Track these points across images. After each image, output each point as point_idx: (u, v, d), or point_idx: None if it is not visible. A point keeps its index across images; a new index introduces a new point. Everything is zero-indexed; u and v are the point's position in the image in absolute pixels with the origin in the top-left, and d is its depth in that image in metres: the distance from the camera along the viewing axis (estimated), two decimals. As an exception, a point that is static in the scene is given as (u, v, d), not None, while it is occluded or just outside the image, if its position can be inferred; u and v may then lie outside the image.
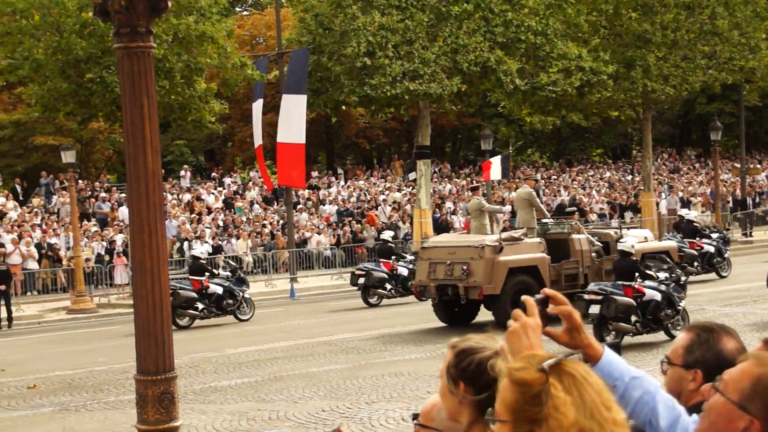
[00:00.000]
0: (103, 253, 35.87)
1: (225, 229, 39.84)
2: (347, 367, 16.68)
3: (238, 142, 54.76)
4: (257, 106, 36.29)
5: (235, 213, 42.43)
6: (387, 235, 29.76)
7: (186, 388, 14.79)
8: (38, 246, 35.60)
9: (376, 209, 43.53)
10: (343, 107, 42.46)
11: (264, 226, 40.73)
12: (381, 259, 27.93)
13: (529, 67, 38.17)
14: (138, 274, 5.68)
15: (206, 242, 37.63)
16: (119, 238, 36.81)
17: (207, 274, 25.27)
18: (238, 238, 38.99)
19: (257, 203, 44.03)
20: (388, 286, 27.13)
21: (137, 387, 5.76)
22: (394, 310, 25.54)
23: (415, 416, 3.56)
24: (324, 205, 44.51)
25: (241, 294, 25.17)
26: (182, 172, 46.79)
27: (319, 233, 39.98)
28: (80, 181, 42.62)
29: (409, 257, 28.02)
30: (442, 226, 40.91)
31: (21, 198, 43.32)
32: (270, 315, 26.59)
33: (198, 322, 24.66)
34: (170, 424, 5.76)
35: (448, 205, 44.92)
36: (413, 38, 36.17)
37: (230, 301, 24.88)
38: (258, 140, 36.62)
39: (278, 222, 41.38)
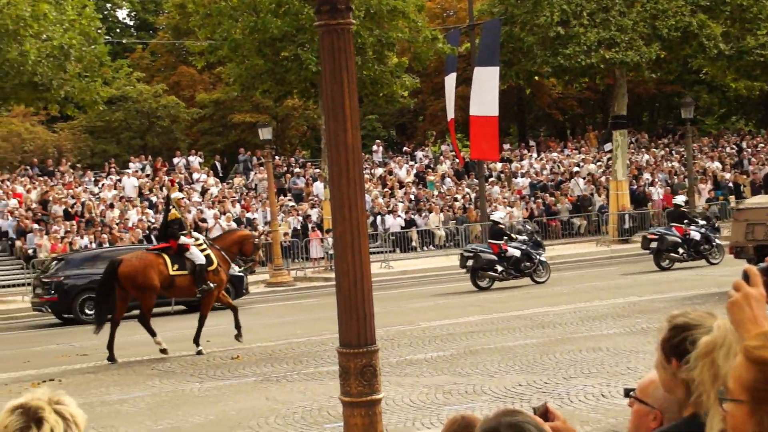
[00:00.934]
0: (298, 227, 36.75)
1: (417, 203, 40.09)
2: (543, 341, 16.43)
3: (430, 116, 54.94)
4: (450, 80, 36.23)
5: (426, 187, 42.62)
6: (497, 216, 28.80)
7: (382, 360, 14.86)
8: (237, 221, 36.81)
9: (570, 182, 42.80)
10: (536, 78, 41.87)
11: (455, 199, 40.74)
12: (491, 241, 27.04)
13: (735, 30, 36.55)
14: (339, 248, 5.69)
15: (399, 216, 38.01)
16: (314, 213, 37.63)
17: (505, 237, 26.25)
18: (430, 211, 39.16)
19: (449, 177, 44.05)
20: (499, 268, 26.30)
21: (340, 359, 5.78)
22: (590, 285, 25.07)
23: (628, 391, 3.49)
24: (516, 178, 44.10)
25: (537, 257, 26.14)
26: (374, 147, 47.35)
27: (511, 206, 39.68)
28: (276, 157, 43.78)
29: (521, 238, 27.19)
30: (639, 198, 39.84)
31: (221, 174, 44.89)
32: (463, 288, 26.55)
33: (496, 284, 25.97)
34: (372, 396, 5.76)
35: (646, 176, 43.65)
36: (609, 5, 35.21)
37: (527, 264, 25.91)
38: (450, 113, 36.58)
39: (470, 195, 41.30)
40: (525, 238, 26.90)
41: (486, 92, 33.31)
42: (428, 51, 34.21)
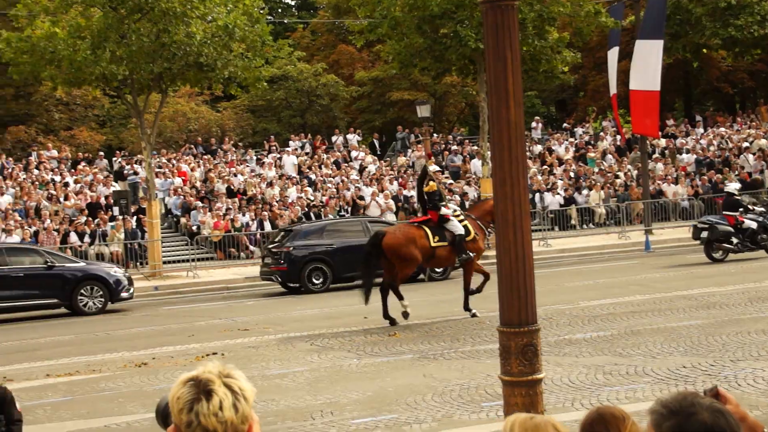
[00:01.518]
0: (456, 207, 36.64)
1: (576, 180, 39.43)
2: (709, 322, 15.89)
3: (591, 92, 53.89)
4: (612, 54, 35.36)
5: (586, 164, 41.86)
6: (732, 187, 27.95)
7: (541, 340, 14.72)
8: (395, 198, 37.01)
9: (738, 157, 41.24)
10: (704, 51, 40.44)
11: (617, 177, 39.87)
12: (726, 212, 26.31)
13: None
14: (501, 226, 5.59)
15: (558, 194, 37.49)
16: (470, 191, 37.49)
17: (741, 209, 25.90)
18: (590, 189, 38.46)
19: (610, 153, 43.12)
20: (735, 240, 25.56)
21: (500, 338, 5.69)
22: (759, 264, 24.12)
23: None
24: (681, 154, 42.80)
25: None
26: (533, 124, 46.77)
27: (675, 183, 38.55)
28: (434, 135, 43.78)
29: (759, 209, 26.33)
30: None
31: (378, 152, 45.22)
32: (624, 268, 25.99)
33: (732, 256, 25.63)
34: (533, 376, 5.66)
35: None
36: (785, -29, 33.69)
37: (764, 236, 25.67)
38: (613, 88, 35.74)
39: (632, 173, 40.33)
40: (763, 209, 26.36)
41: (649, 66, 32.32)
42: (590, 25, 33.49)
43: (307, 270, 26.22)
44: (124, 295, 24.86)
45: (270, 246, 27.58)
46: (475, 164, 39.90)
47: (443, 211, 18.97)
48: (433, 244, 18.83)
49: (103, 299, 24.44)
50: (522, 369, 5.62)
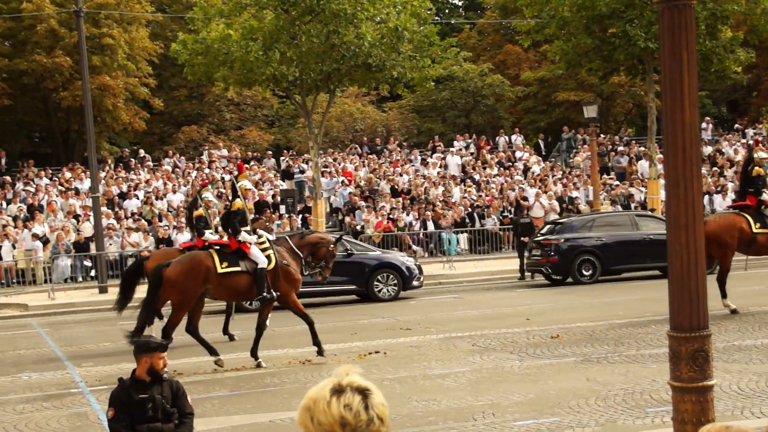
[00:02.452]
0: (619, 208, 35.96)
1: (749, 184, 38.02)
2: None
3: (765, 92, 51.94)
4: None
5: (760, 167, 40.32)
6: None
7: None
8: (560, 199, 36.60)
9: None
10: None
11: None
12: None
13: None
14: (672, 229, 5.48)
15: (728, 196, 36.31)
16: (636, 192, 36.71)
17: None
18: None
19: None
20: None
21: (670, 343, 5.58)
22: None
23: None
24: None
25: None
26: (703, 125, 45.37)
27: None
28: (600, 135, 43.08)
29: None
30: None
31: (543, 153, 44.80)
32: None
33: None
34: (704, 382, 5.53)
35: None
36: None
37: None
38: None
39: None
40: None
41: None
42: (767, 23, 32.29)
43: (577, 262, 26.66)
44: (415, 283, 25.72)
45: (538, 239, 27.92)
46: (642, 165, 39.06)
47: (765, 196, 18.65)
48: (754, 230, 18.75)
49: (396, 287, 25.33)
50: (692, 375, 5.50)
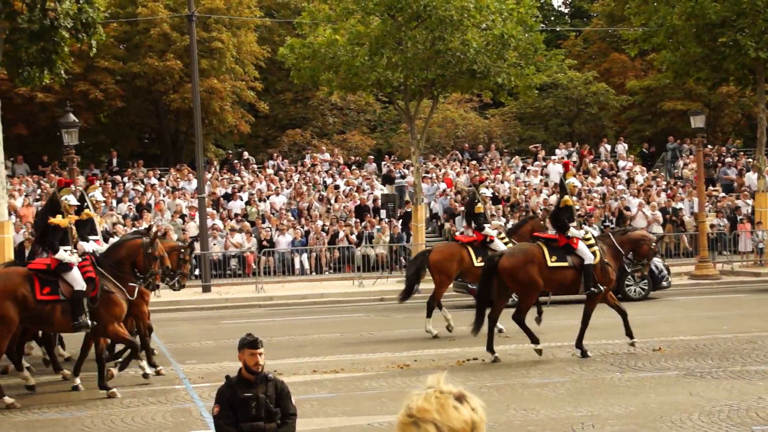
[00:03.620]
0: (725, 220, 35.22)
1: None
2: None
3: None
4: None
5: None
6: None
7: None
8: (663, 210, 36.01)
9: None
10: None
11: None
12: None
13: None
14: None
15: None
16: (742, 205, 35.90)
17: None
18: None
19: None
20: None
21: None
22: None
23: None
24: None
25: None
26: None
27: None
28: (707, 146, 42.24)
29: None
30: None
31: (648, 162, 44.13)
32: None
33: None
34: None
35: None
36: None
37: None
38: None
39: None
40: None
41: None
42: None
43: None
44: (663, 283, 25.94)
45: None
46: (750, 177, 38.18)
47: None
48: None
49: (646, 286, 25.46)
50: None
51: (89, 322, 14.30)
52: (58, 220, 14.43)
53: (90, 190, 16.37)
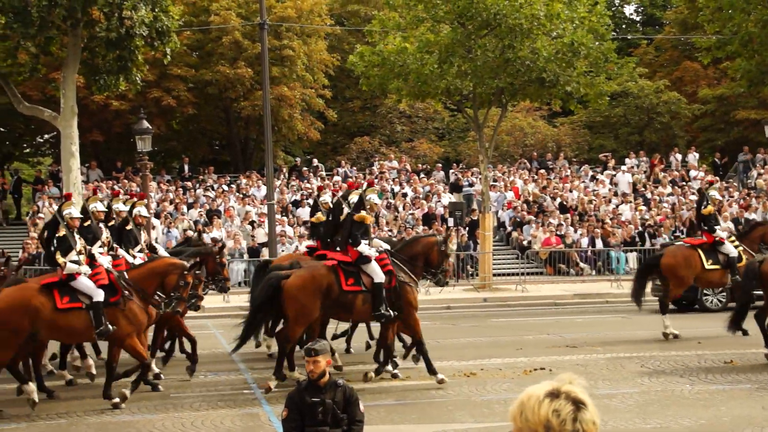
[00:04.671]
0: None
1: None
2: None
3: None
4: None
5: None
6: None
7: None
8: (735, 221, 35.47)
9: None
10: None
11: None
12: None
13: None
14: None
15: None
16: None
17: None
18: None
19: None
20: None
21: None
22: None
23: None
24: None
25: None
26: None
27: None
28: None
29: None
30: None
31: (719, 172, 43.50)
32: None
33: None
34: None
35: None
36: None
37: None
38: None
39: None
40: None
41: None
42: None
43: None
44: None
45: None
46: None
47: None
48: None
49: (724, 297, 25.13)
50: None
51: (110, 327, 14.34)
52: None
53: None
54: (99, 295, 14.33)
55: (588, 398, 3.22)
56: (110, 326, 14.30)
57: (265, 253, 32.37)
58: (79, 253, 14.69)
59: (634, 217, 36.14)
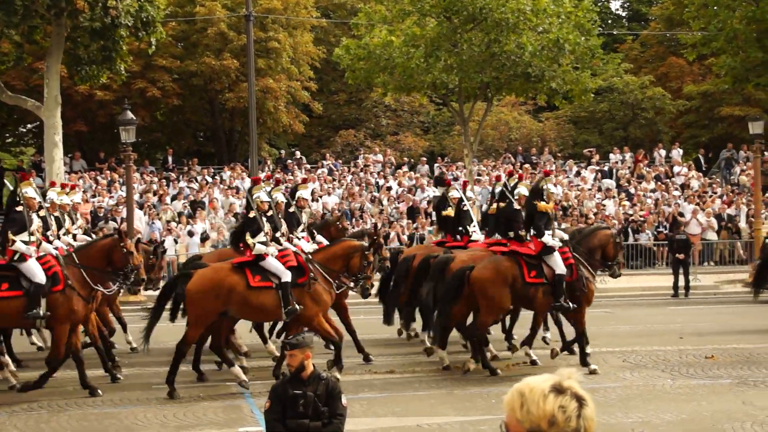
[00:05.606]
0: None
1: None
2: None
3: None
4: None
5: None
6: None
7: None
8: (718, 217, 35.62)
9: None
10: None
11: None
12: None
13: None
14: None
15: None
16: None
17: None
18: None
19: None
20: None
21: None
22: None
23: None
24: None
25: None
26: None
27: None
28: (765, 153, 41.68)
29: None
30: None
31: (703, 168, 43.67)
32: None
33: None
34: None
35: None
36: None
37: None
38: None
39: None
40: None
41: None
42: None
43: None
44: None
45: None
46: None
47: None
48: None
49: None
50: None
51: (297, 307, 14.75)
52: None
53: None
54: (287, 276, 14.83)
55: (586, 393, 3.24)
56: (297, 306, 14.78)
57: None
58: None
59: (618, 212, 36.22)
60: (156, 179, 38.37)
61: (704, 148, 47.19)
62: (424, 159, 44.21)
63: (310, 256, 15.44)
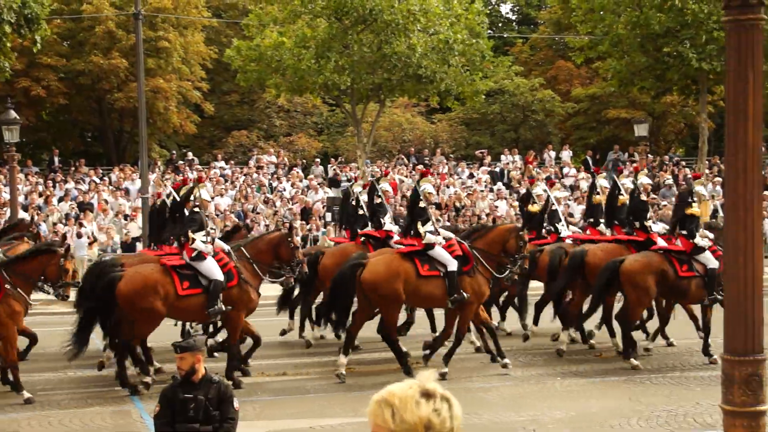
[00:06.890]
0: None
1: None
2: None
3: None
4: None
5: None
6: None
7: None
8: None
9: None
10: None
11: None
12: None
13: None
14: (730, 252, 5.44)
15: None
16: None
17: None
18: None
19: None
20: None
21: (723, 366, 5.56)
22: None
23: None
24: None
25: None
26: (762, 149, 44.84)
27: None
28: (649, 155, 42.75)
29: None
30: None
31: (591, 170, 44.52)
32: None
33: None
34: (757, 407, 5.49)
35: None
36: None
37: None
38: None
39: None
40: None
41: None
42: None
43: None
44: None
45: None
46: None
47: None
48: None
49: None
50: (745, 399, 5.45)
51: (464, 295, 15.06)
52: None
53: None
54: (453, 265, 15.08)
55: (450, 394, 3.26)
56: (464, 294, 14.97)
57: (138, 248, 31.71)
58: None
59: (509, 212, 36.67)
60: (41, 180, 37.39)
61: (592, 149, 48.16)
62: (318, 160, 44.08)
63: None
